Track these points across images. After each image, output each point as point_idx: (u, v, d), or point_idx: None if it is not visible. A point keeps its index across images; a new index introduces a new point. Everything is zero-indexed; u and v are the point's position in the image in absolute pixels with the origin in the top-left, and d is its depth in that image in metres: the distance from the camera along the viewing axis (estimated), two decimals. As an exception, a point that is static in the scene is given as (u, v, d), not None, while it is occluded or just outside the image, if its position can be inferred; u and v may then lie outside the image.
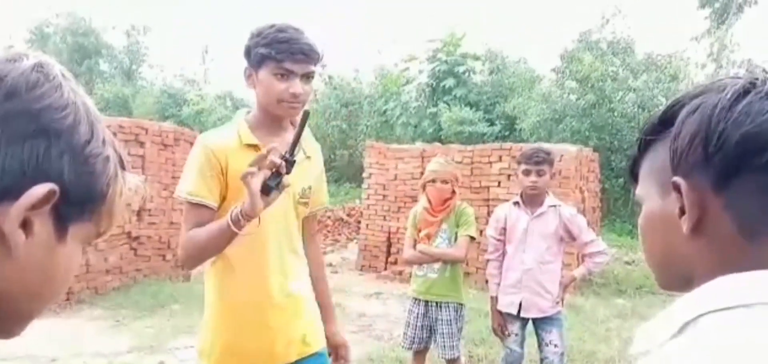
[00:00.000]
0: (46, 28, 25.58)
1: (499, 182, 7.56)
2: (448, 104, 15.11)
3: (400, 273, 7.91)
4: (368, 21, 53.24)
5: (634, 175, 0.70)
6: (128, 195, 0.61)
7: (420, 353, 3.58)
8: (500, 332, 3.46)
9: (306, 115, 1.53)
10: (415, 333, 3.50)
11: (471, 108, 14.91)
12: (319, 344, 1.91)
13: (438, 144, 10.01)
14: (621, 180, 12.59)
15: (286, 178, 1.50)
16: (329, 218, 12.01)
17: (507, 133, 14.61)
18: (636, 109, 12.78)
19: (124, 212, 0.61)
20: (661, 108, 0.65)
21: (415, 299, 3.51)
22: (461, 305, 3.48)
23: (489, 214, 5.23)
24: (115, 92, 22.11)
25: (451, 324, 3.42)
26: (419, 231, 3.50)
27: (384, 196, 8.65)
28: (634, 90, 12.75)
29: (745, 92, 0.57)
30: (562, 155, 6.94)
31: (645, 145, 0.67)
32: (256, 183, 1.45)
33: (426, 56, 16.76)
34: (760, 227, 0.56)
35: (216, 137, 1.78)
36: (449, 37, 16.34)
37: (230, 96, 22.45)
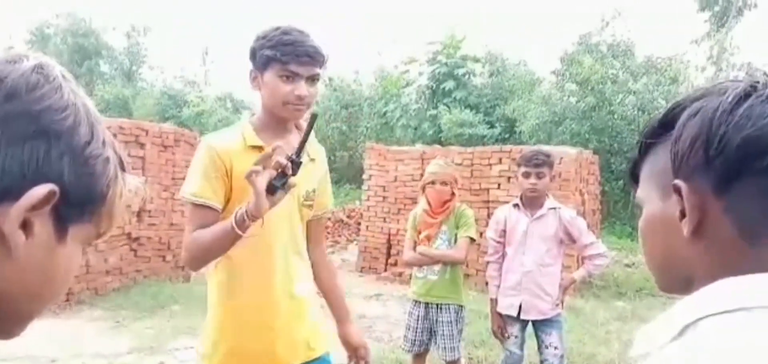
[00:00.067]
0: (47, 29, 25.62)
1: (499, 184, 7.56)
2: (448, 106, 15.13)
3: (400, 275, 7.91)
4: (368, 22, 53.33)
5: (634, 178, 0.70)
6: (128, 196, 0.61)
7: (420, 356, 3.57)
8: (500, 334, 3.46)
9: (314, 117, 1.53)
10: (415, 336, 3.50)
11: (471, 110, 14.93)
12: (322, 349, 1.90)
13: (438, 146, 10.02)
14: (621, 183, 12.60)
15: (292, 179, 1.49)
16: (329, 219, 12.00)
17: (507, 135, 14.63)
18: (636, 112, 12.78)
19: (124, 213, 0.61)
20: (662, 111, 0.65)
21: (416, 301, 3.51)
22: (461, 306, 3.48)
23: (489, 216, 5.23)
24: (115, 93, 22.14)
25: (451, 326, 3.41)
26: (419, 233, 3.50)
27: (384, 197, 8.66)
28: (634, 93, 12.76)
29: (746, 96, 0.57)
30: (561, 158, 6.95)
31: (646, 148, 0.67)
32: (262, 182, 1.44)
33: (426, 58, 16.79)
34: (760, 230, 0.56)
35: (221, 139, 1.77)
36: (449, 40, 16.36)
37: (230, 97, 22.48)
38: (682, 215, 0.59)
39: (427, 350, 3.57)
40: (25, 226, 0.50)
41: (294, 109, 1.71)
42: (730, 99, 0.57)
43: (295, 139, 1.73)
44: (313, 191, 1.86)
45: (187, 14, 48.55)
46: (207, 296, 1.84)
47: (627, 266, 9.10)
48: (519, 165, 3.39)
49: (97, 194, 0.56)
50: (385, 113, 16.94)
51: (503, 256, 3.45)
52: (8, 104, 0.50)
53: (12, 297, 0.53)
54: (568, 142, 11.65)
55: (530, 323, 3.41)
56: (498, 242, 3.47)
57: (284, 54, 1.65)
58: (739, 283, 0.54)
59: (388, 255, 8.56)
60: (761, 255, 0.55)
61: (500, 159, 7.65)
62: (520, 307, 3.35)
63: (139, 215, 6.95)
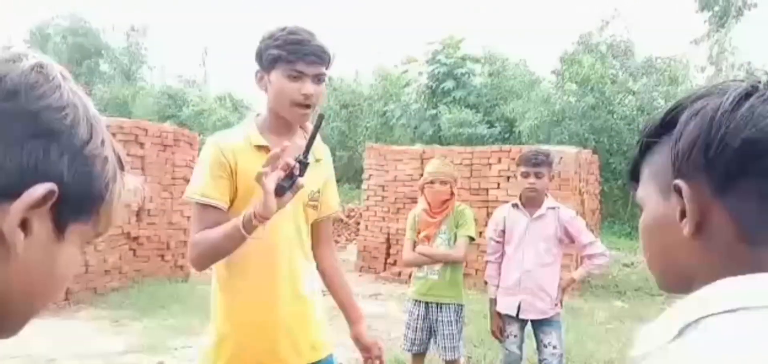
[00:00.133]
0: (47, 29, 25.60)
1: (499, 184, 7.57)
2: (448, 106, 15.13)
3: (399, 274, 7.91)
4: (368, 22, 53.33)
5: (634, 178, 0.70)
6: (127, 196, 0.60)
7: (419, 356, 3.58)
8: (499, 334, 3.47)
9: (321, 118, 1.53)
10: (415, 335, 3.50)
11: (470, 110, 14.94)
12: (327, 350, 1.90)
13: (437, 146, 10.02)
14: (620, 182, 12.61)
15: (300, 180, 1.49)
16: (329, 219, 11.99)
17: (506, 135, 14.64)
18: (635, 112, 12.80)
19: (123, 212, 0.61)
20: (663, 110, 0.65)
21: (416, 301, 3.51)
22: (461, 306, 3.48)
23: (488, 215, 5.23)
24: (114, 93, 22.15)
25: (451, 325, 3.42)
26: (419, 233, 3.50)
27: (383, 197, 8.66)
28: (634, 93, 12.78)
29: (746, 96, 0.57)
30: (561, 157, 6.95)
31: (646, 148, 0.67)
32: (271, 183, 1.44)
33: (426, 58, 16.78)
34: (760, 231, 0.56)
35: (226, 138, 1.78)
36: (449, 39, 16.37)
37: (230, 97, 22.45)
38: (683, 215, 0.59)
39: (426, 350, 3.57)
40: (24, 225, 0.50)
41: (300, 112, 1.71)
42: (730, 100, 0.57)
43: (300, 139, 1.73)
44: (318, 192, 1.86)
45: (187, 14, 48.59)
46: (209, 295, 1.84)
47: (626, 265, 9.11)
48: (518, 165, 3.39)
49: (96, 193, 0.56)
50: (384, 113, 16.95)
51: (502, 255, 3.45)
52: (7, 103, 0.50)
53: (11, 296, 0.53)
54: (568, 142, 11.66)
55: (529, 323, 3.42)
56: (497, 242, 3.47)
57: (291, 53, 1.66)
58: (739, 283, 0.54)
59: (388, 255, 8.56)
60: (761, 255, 0.55)
61: (499, 159, 7.66)
62: (519, 306, 3.35)
63: (138, 214, 6.95)
